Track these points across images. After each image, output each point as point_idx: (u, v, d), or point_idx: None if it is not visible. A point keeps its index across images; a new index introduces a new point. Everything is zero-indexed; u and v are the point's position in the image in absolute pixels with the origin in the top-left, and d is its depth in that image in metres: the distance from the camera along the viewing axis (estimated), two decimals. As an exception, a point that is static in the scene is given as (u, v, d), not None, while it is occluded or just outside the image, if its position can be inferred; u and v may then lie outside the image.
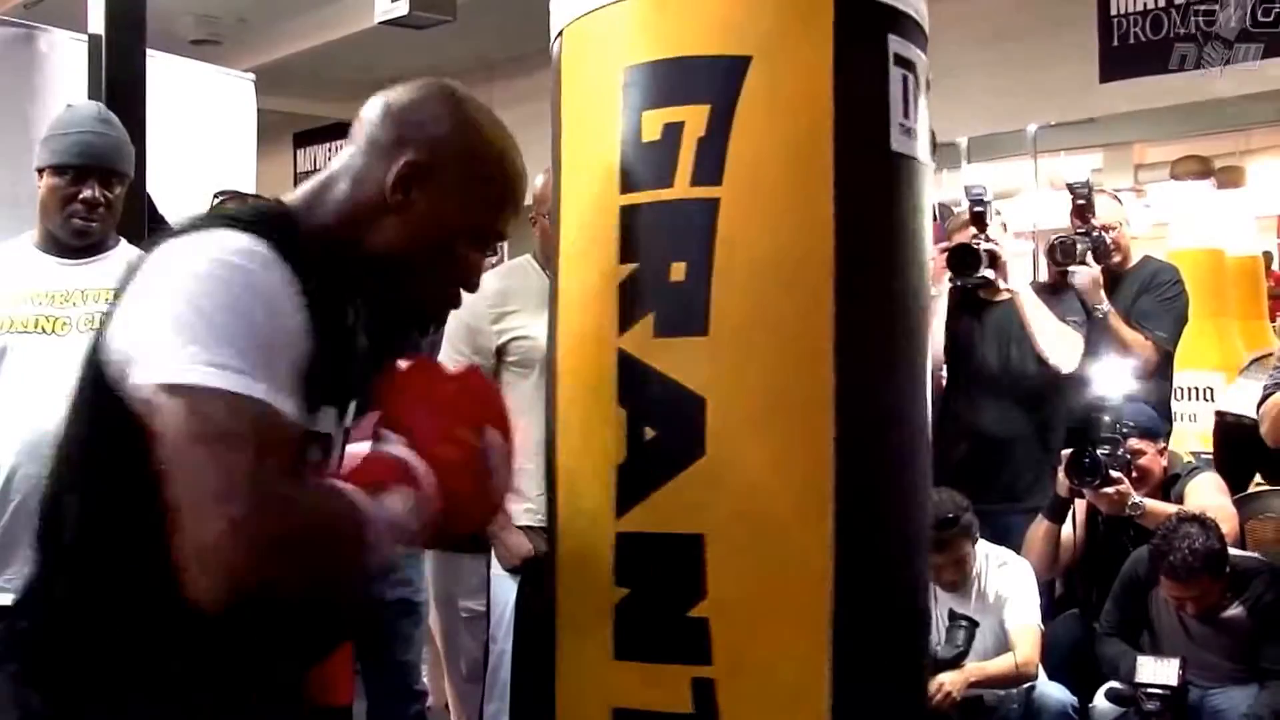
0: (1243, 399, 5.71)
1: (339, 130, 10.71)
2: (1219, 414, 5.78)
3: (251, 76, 5.32)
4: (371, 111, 1.69)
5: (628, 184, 1.89)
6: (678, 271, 1.84)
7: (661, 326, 1.85)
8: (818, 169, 1.85)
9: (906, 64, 1.96)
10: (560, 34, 2.04)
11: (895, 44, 1.93)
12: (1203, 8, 7.03)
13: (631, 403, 1.85)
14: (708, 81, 1.86)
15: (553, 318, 2.04)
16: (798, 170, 1.85)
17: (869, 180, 1.90)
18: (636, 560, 1.85)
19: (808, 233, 1.84)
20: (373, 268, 1.63)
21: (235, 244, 1.49)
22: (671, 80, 1.88)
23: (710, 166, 1.84)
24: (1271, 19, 6.80)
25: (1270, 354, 5.62)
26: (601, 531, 1.87)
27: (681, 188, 1.85)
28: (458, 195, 1.63)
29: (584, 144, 1.97)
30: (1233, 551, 3.83)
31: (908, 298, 1.96)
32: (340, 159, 1.70)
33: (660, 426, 1.84)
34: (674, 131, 1.85)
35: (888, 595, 1.91)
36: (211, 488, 1.35)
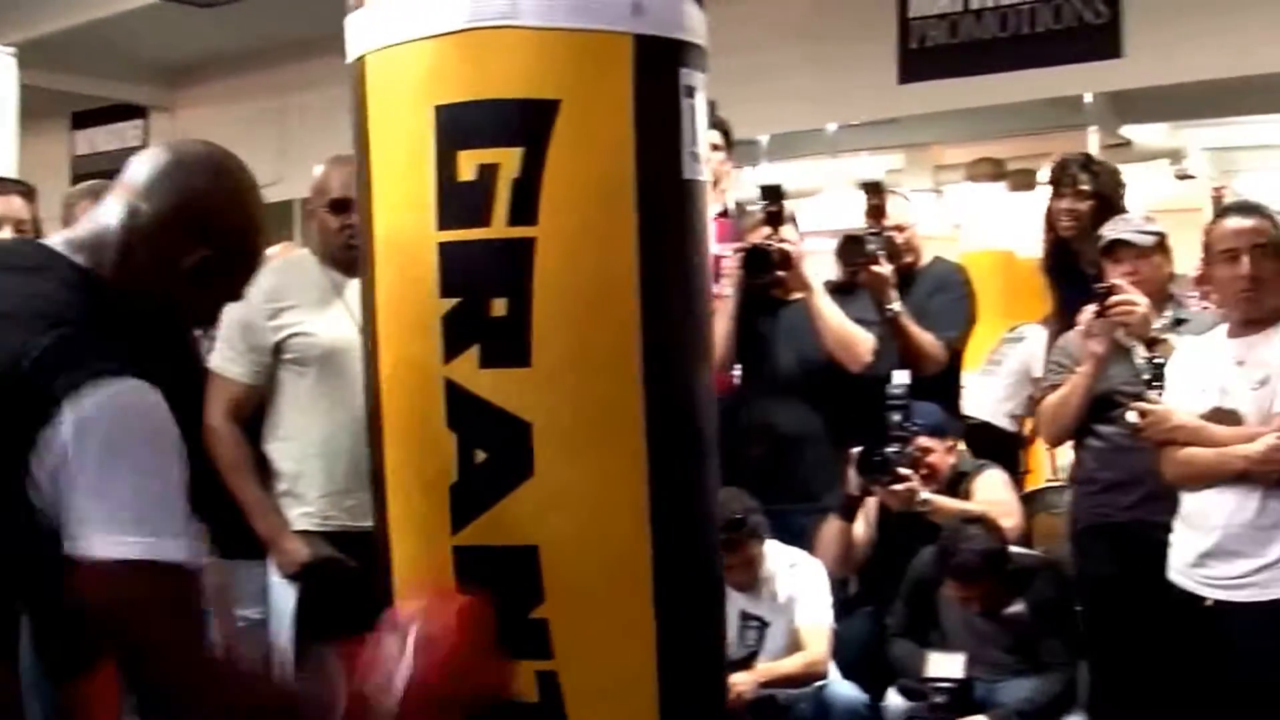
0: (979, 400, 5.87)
1: (122, 112, 10.27)
2: (964, 418, 5.91)
3: (12, 50, 4.99)
4: (155, 176, 1.83)
5: (445, 221, 2.00)
6: (499, 307, 1.98)
7: (486, 358, 2.00)
8: (622, 204, 2.00)
9: (692, 93, 2.09)
10: (361, 60, 2.10)
11: (685, 76, 2.07)
12: (1000, 13, 7.18)
13: (461, 428, 2.00)
14: (518, 124, 1.98)
15: (372, 343, 2.13)
16: (605, 206, 2.01)
17: (666, 209, 2.06)
18: (476, 571, 2.01)
19: (616, 265, 2.01)
20: (157, 321, 1.84)
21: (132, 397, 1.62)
22: (484, 122, 1.99)
23: (525, 207, 1.97)
24: (1062, 27, 6.98)
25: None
26: (439, 545, 2.04)
27: (498, 227, 1.98)
28: (242, 272, 1.85)
29: (397, 179, 2.07)
30: (1016, 549, 3.90)
31: (701, 317, 2.15)
32: (120, 212, 1.82)
33: (490, 450, 2.00)
34: (488, 172, 1.97)
35: (702, 592, 2.15)
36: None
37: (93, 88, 9.02)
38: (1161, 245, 3.85)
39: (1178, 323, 3.78)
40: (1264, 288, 3.19)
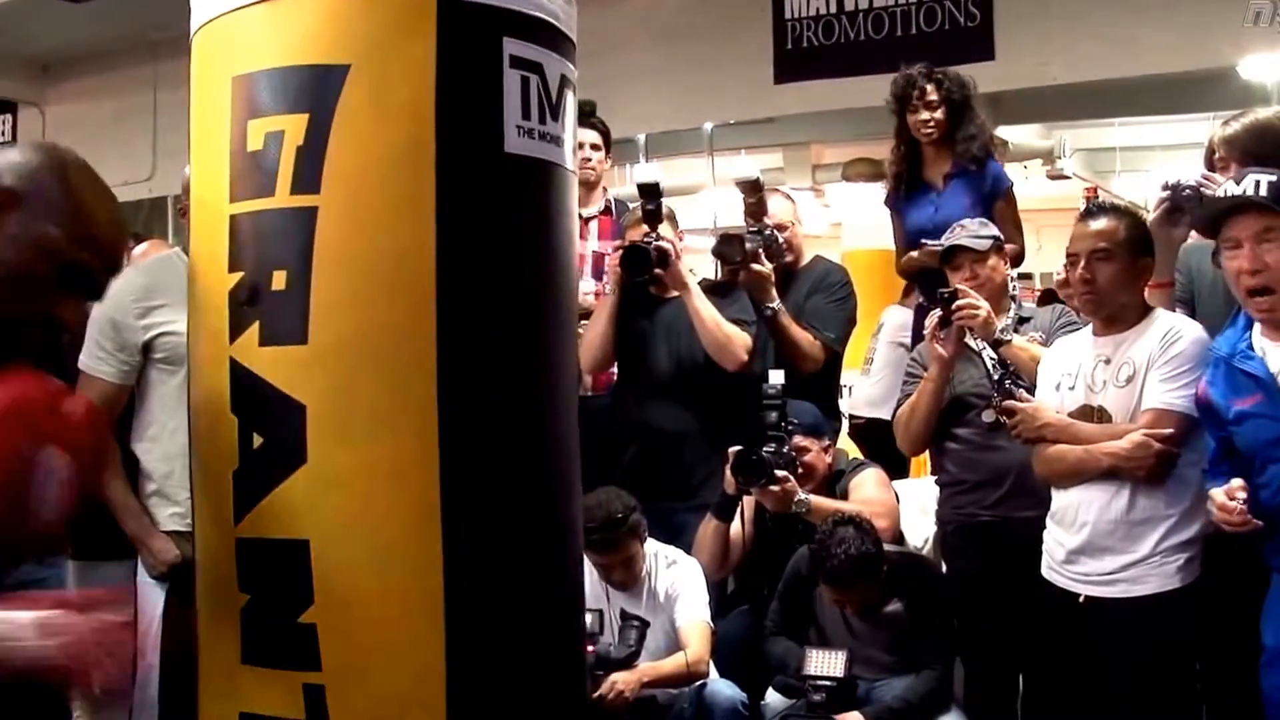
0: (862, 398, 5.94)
1: (-7, 106, 10.01)
2: (852, 416, 5.98)
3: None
4: None
5: (235, 193, 1.93)
6: (279, 280, 1.88)
7: (266, 335, 1.89)
8: (420, 175, 1.89)
9: (531, 66, 1.98)
10: (191, 39, 2.07)
11: (513, 46, 1.96)
12: (874, 14, 7.25)
13: (242, 410, 1.90)
14: (307, 91, 1.90)
15: (192, 323, 2.06)
16: (399, 177, 1.89)
17: (478, 184, 1.93)
18: (254, 566, 1.90)
19: (409, 240, 1.88)
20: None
21: None
22: (273, 90, 1.92)
23: (309, 175, 1.88)
24: (935, 29, 7.07)
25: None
26: (225, 537, 1.92)
27: (282, 196, 1.89)
28: (36, 224, 1.75)
29: (203, 152, 2.01)
30: (891, 548, 3.92)
31: (530, 299, 2.00)
32: None
33: (267, 434, 1.88)
34: (275, 140, 1.90)
35: (506, 600, 1.95)
36: None
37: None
38: (998, 248, 3.93)
39: (1021, 321, 3.86)
40: (1101, 291, 3.25)
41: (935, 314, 3.73)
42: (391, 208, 1.89)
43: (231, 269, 1.93)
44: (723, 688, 3.89)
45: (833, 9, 7.38)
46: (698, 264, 4.83)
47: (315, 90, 1.89)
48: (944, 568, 4.09)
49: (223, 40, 1.98)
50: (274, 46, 1.93)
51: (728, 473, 3.97)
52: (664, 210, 4.19)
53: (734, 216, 7.69)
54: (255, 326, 1.90)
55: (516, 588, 1.99)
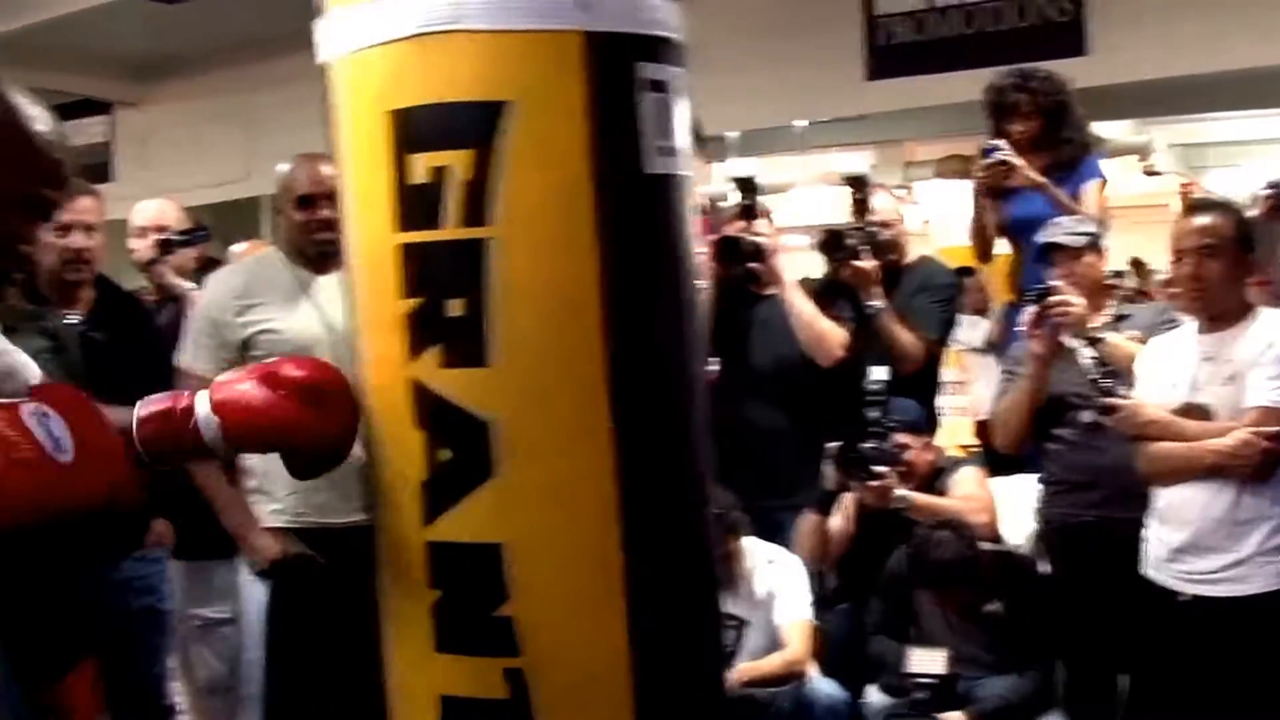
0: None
1: (86, 107, 10.20)
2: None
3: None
4: None
5: (403, 223, 2.00)
6: (456, 307, 1.98)
7: (447, 358, 1.99)
8: (580, 203, 1.98)
9: (660, 86, 2.05)
10: (329, 66, 2.11)
11: (644, 70, 2.03)
12: (965, 11, 7.22)
13: (427, 426, 2.01)
14: (470, 126, 1.96)
15: (354, 343, 2.15)
16: (561, 206, 1.98)
17: (629, 208, 2.02)
18: (445, 566, 2.03)
19: (575, 268, 1.98)
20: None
21: None
22: (436, 124, 1.99)
23: (478, 208, 1.96)
24: (1027, 24, 7.03)
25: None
26: (414, 540, 2.05)
27: (453, 229, 1.97)
28: None
29: (362, 182, 2.08)
30: (990, 547, 3.91)
31: (677, 310, 2.11)
32: None
33: (454, 448, 2.00)
34: (441, 174, 1.97)
35: (679, 594, 2.11)
36: None
37: (60, 83, 8.98)
38: (1094, 245, 3.89)
39: (1119, 319, 3.83)
40: (1210, 289, 3.22)
41: (1030, 311, 3.72)
42: (557, 237, 1.99)
43: (406, 295, 2.01)
44: (823, 685, 3.90)
45: (924, 5, 7.36)
46: (788, 261, 4.83)
47: (479, 126, 1.96)
48: (1045, 567, 4.06)
49: (374, 72, 2.04)
50: (432, 82, 1.99)
51: (828, 468, 3.98)
52: (759, 205, 4.21)
53: (825, 214, 7.71)
54: (437, 349, 2.00)
55: (684, 582, 2.13)
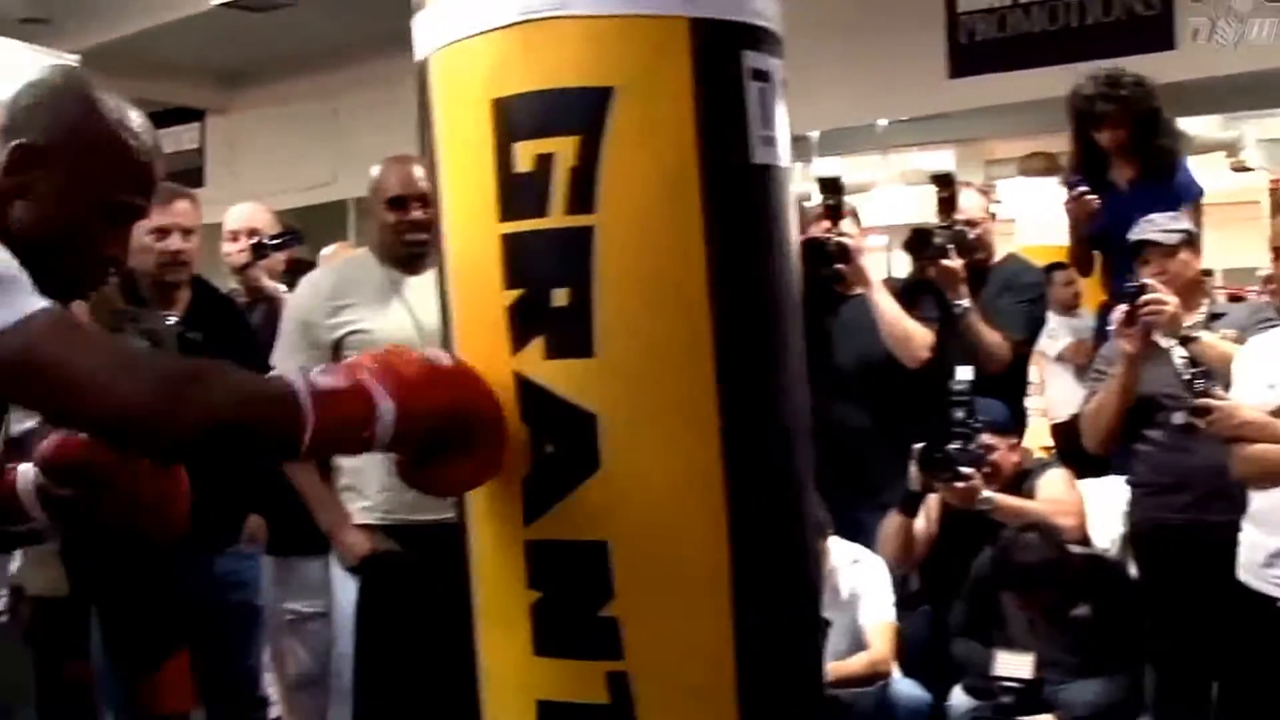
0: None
1: (179, 115, 10.38)
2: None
3: (76, 59, 5.08)
4: None
5: (506, 213, 1.97)
6: (560, 297, 1.93)
7: (551, 349, 1.94)
8: (687, 190, 1.94)
9: (762, 76, 2.02)
10: (426, 61, 2.08)
11: (750, 59, 2.00)
12: (1049, 7, 7.14)
13: (531, 420, 1.95)
14: (575, 112, 1.93)
15: (447, 340, 2.12)
16: (667, 194, 1.94)
17: (735, 196, 1.98)
18: (546, 566, 1.97)
19: (682, 253, 1.94)
20: (15, 248, 1.65)
21: None
22: (540, 112, 1.96)
23: (584, 195, 1.92)
24: (1112, 19, 6.94)
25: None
26: (512, 539, 2.00)
27: (558, 216, 1.93)
28: (73, 171, 1.70)
29: (462, 173, 2.05)
30: (1078, 550, 3.87)
31: (780, 304, 2.06)
32: None
33: (557, 443, 1.95)
34: (546, 162, 1.93)
35: (786, 592, 2.05)
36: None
37: (151, 92, 9.14)
38: (1189, 242, 3.83)
39: (1213, 318, 3.77)
40: None
41: (1121, 309, 3.67)
42: (664, 225, 1.95)
43: (509, 286, 1.98)
44: (906, 687, 3.88)
45: (1007, 1, 7.30)
46: (870, 261, 4.80)
47: (584, 112, 1.94)
48: (1134, 570, 4.02)
49: (476, 62, 2.01)
50: (536, 68, 1.97)
51: (913, 468, 3.96)
52: (845, 206, 4.19)
53: (908, 214, 7.66)
54: (540, 341, 1.95)
55: (789, 580, 2.08)
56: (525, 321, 1.97)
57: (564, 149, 1.93)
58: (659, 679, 1.96)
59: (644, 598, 1.96)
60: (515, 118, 1.97)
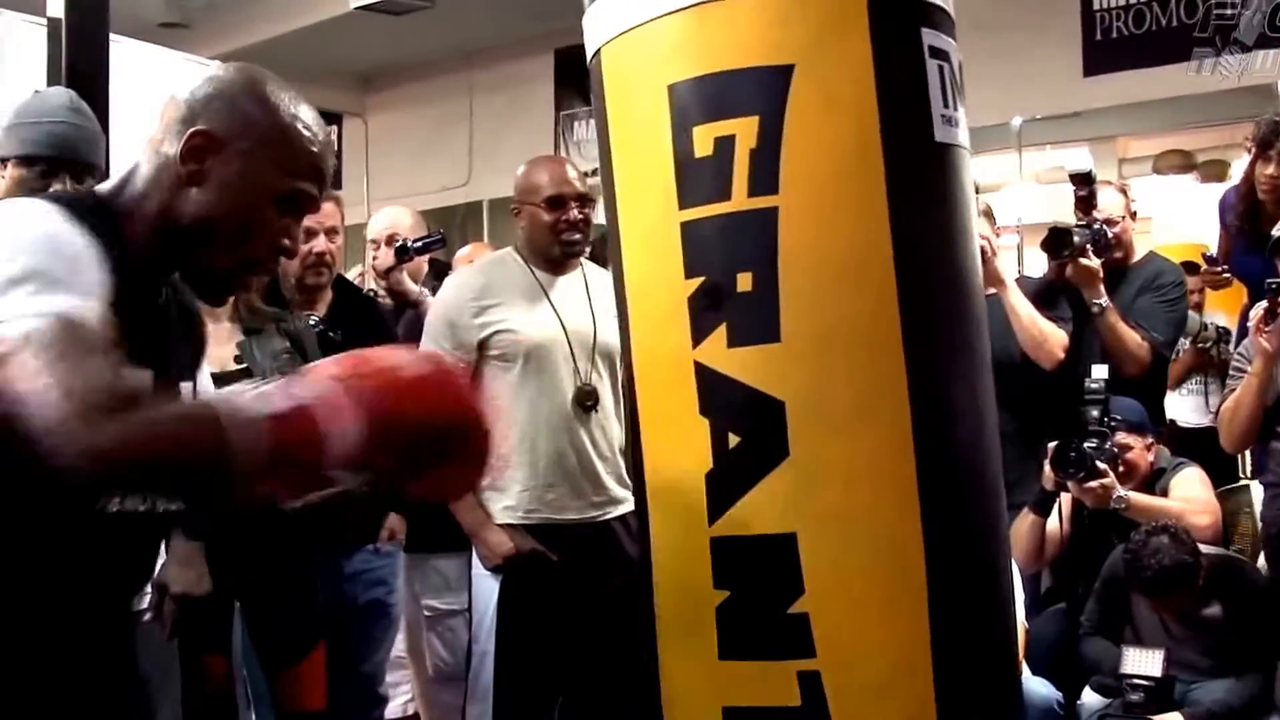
0: (1184, 405, 5.75)
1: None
2: (1169, 421, 5.80)
3: (216, 64, 5.23)
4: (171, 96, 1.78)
5: (686, 199, 1.92)
6: (744, 282, 1.89)
7: (734, 336, 1.89)
8: (870, 169, 1.88)
9: (941, 54, 1.98)
10: (598, 53, 2.05)
11: (929, 37, 1.96)
12: (1186, 1, 7.03)
13: (713, 412, 1.91)
14: (754, 93, 1.88)
15: (625, 333, 2.07)
16: (851, 172, 1.89)
17: (919, 175, 1.93)
18: (733, 563, 1.90)
19: (867, 232, 1.88)
20: (180, 239, 1.71)
21: (31, 209, 1.58)
22: (717, 94, 1.91)
23: (766, 176, 1.87)
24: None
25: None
26: (697, 538, 1.93)
27: (739, 199, 1.89)
28: (248, 160, 1.71)
29: (637, 162, 2.00)
30: (1210, 550, 3.84)
31: (966, 285, 2.00)
32: (146, 145, 1.78)
33: (743, 433, 1.89)
34: (726, 144, 1.88)
35: (980, 580, 1.97)
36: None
37: (291, 95, 9.37)
38: None
39: None
40: None
41: (1261, 307, 3.64)
42: (848, 203, 1.89)
43: (690, 274, 1.93)
44: (1036, 686, 3.87)
45: (1142, -4, 7.21)
46: (1003, 260, 4.78)
47: (762, 92, 1.89)
48: (1267, 571, 3.97)
49: (650, 49, 1.97)
50: (711, 51, 1.92)
51: (1046, 467, 3.95)
52: (982, 205, 4.19)
53: (1041, 212, 7.57)
54: (722, 329, 1.90)
55: (986, 568, 2.00)
56: (706, 310, 1.93)
57: (744, 130, 1.89)
58: (853, 676, 1.87)
59: (836, 591, 1.87)
60: (691, 102, 1.93)
